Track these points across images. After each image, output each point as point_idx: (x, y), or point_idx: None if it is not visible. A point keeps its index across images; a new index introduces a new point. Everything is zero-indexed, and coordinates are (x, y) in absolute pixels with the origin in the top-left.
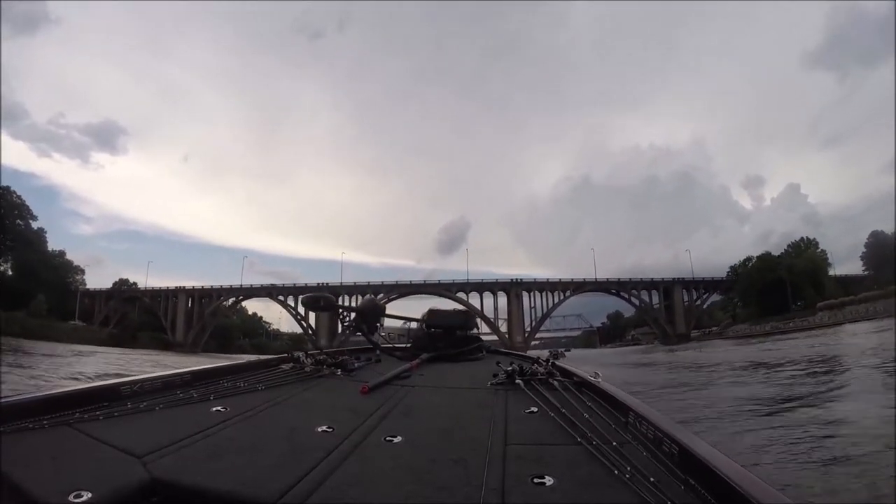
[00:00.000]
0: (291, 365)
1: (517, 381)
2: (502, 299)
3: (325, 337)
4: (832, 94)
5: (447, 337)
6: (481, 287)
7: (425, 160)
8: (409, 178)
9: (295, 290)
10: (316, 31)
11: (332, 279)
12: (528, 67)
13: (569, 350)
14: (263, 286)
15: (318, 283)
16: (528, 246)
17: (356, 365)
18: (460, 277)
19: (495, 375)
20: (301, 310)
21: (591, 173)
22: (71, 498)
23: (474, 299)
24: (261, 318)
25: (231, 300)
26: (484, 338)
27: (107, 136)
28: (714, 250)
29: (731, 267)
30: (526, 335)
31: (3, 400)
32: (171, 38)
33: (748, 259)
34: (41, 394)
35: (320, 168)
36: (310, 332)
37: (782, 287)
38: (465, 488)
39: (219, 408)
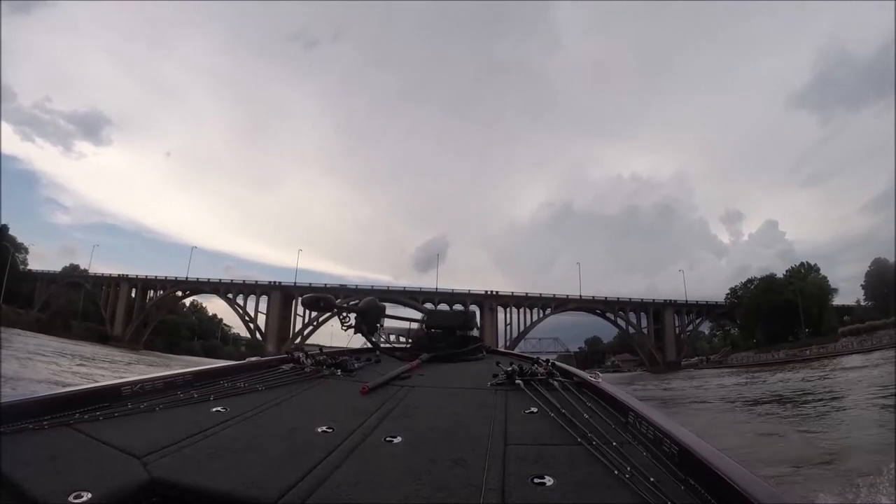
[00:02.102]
0: (291, 365)
1: (517, 381)
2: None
3: (273, 343)
4: (815, 134)
5: (447, 337)
6: (452, 298)
7: (409, 176)
8: (392, 193)
9: (245, 288)
10: (312, 39)
11: (301, 285)
12: (516, 92)
13: None
14: (210, 281)
15: (270, 282)
16: (506, 269)
17: (356, 365)
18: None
19: (495, 376)
20: (251, 310)
21: (572, 200)
22: (71, 498)
23: None
24: (220, 319)
25: (179, 293)
26: None
27: (92, 126)
28: (688, 282)
29: (731, 289)
30: None
31: (3, 400)
32: (166, 33)
33: (749, 281)
34: (41, 394)
35: (304, 177)
36: (258, 335)
37: (790, 311)
38: (465, 488)
39: (219, 408)
